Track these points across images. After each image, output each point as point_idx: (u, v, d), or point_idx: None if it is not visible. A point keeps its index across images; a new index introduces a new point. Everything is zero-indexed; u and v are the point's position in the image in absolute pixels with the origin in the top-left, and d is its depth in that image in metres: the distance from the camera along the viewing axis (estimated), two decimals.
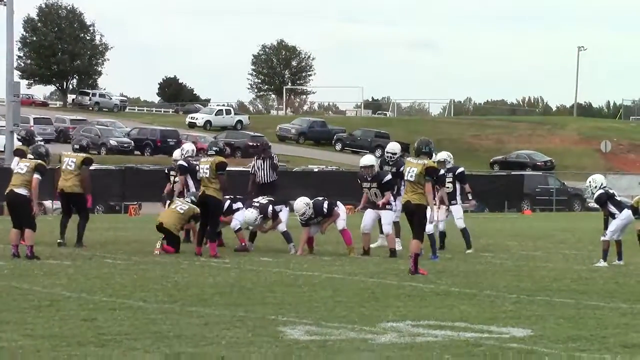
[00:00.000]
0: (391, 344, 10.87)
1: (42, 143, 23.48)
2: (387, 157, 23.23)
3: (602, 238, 20.32)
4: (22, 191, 19.47)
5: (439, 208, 21.42)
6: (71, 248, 21.60)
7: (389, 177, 21.70)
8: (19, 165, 19.87)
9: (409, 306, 13.91)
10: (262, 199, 22.44)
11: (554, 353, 10.44)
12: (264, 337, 11.13)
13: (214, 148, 21.69)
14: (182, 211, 21.53)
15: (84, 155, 19.76)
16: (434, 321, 12.46)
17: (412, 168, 18.07)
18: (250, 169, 28.51)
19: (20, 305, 13.20)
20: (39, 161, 19.81)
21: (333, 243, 23.09)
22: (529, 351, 10.54)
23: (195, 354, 10.02)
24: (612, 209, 20.40)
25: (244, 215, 21.86)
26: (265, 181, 27.42)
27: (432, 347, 10.73)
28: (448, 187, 22.68)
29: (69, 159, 22.26)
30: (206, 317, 12.51)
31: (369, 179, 21.65)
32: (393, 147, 23.63)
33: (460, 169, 23.27)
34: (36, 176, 19.46)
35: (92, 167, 24.09)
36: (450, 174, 22.76)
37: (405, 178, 18.29)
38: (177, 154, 24.97)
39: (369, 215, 21.76)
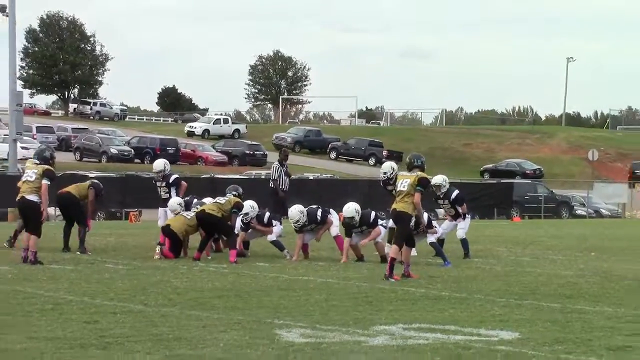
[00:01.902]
0: (383, 347, 10.92)
1: (47, 146, 23.37)
2: (386, 177, 22.93)
3: None
4: (33, 197, 19.48)
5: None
6: (73, 254, 21.62)
7: (456, 192, 22.89)
8: (28, 173, 19.82)
9: (401, 310, 13.95)
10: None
11: (540, 355, 10.50)
12: (260, 339, 11.17)
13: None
14: (188, 217, 21.61)
15: (45, 167, 19.66)
16: (425, 324, 12.51)
17: (405, 180, 18.16)
18: (273, 176, 28.62)
19: (24, 309, 13.23)
20: (46, 166, 19.77)
21: (328, 249, 23.12)
22: (516, 353, 10.59)
23: (194, 356, 10.07)
24: None
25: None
26: (285, 189, 27.64)
27: (422, 349, 10.78)
28: (451, 211, 22.90)
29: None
30: (205, 320, 12.55)
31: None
32: (388, 167, 23.10)
33: (455, 193, 22.90)
34: (45, 182, 19.45)
35: (92, 175, 24.13)
36: (447, 200, 22.76)
37: (398, 189, 18.35)
38: (159, 165, 24.53)
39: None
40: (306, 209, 21.89)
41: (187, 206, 22.69)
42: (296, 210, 21.83)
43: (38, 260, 19.14)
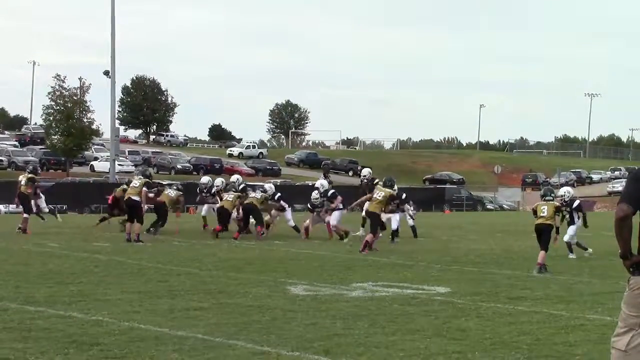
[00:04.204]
0: (359, 297, 10.87)
1: (147, 168, 23.79)
2: (366, 179, 22.66)
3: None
4: (136, 198, 19.47)
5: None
6: (151, 235, 21.47)
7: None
8: (134, 182, 20.09)
9: (370, 273, 13.91)
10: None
11: (464, 303, 10.46)
12: (276, 292, 11.14)
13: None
14: (230, 198, 21.61)
15: (145, 180, 19.89)
16: (386, 282, 12.48)
17: (381, 192, 18.28)
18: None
19: (119, 272, 13.19)
20: (146, 180, 20.04)
21: (320, 232, 23.04)
22: (448, 302, 10.55)
23: (232, 304, 10.01)
24: None
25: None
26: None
27: (385, 299, 10.73)
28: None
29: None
30: (239, 279, 12.50)
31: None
32: (365, 172, 23.27)
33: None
34: (144, 189, 19.65)
35: (165, 183, 24.21)
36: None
37: (374, 196, 18.33)
38: (204, 179, 24.83)
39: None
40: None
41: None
42: (318, 183, 22.32)
43: (140, 239, 18.98)
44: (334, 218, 21.62)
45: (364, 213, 20.90)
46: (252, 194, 22.11)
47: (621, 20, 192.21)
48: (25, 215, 21.93)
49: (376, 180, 21.64)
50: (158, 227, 22.17)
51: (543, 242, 14.96)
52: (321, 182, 22.55)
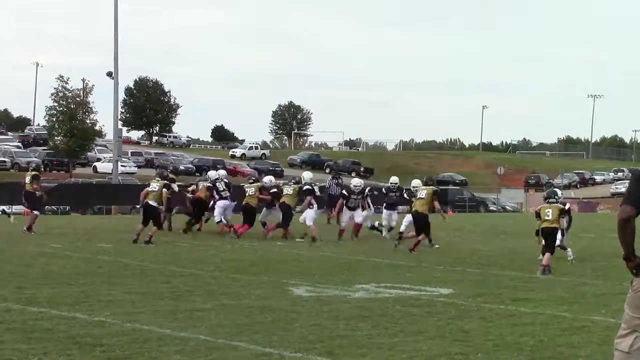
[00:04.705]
0: (361, 298, 10.86)
1: (165, 169, 23.76)
2: (392, 186, 22.75)
3: None
4: (153, 203, 19.36)
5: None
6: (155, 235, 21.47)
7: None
8: (152, 185, 19.86)
9: (373, 274, 13.90)
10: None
11: (467, 304, 10.44)
12: (279, 293, 11.13)
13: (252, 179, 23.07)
14: (252, 192, 21.99)
15: (164, 182, 19.87)
16: (389, 283, 12.46)
17: (424, 190, 19.12)
18: (327, 185, 28.32)
19: (122, 273, 13.19)
20: (165, 182, 20.02)
21: (325, 234, 23.02)
22: (451, 303, 10.54)
23: (235, 305, 10.01)
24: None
25: None
26: (336, 193, 27.31)
27: (388, 300, 10.73)
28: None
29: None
30: (242, 281, 12.50)
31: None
32: (393, 179, 23.25)
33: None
34: (165, 190, 19.53)
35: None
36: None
37: (419, 195, 19.10)
38: (212, 174, 24.58)
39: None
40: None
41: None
42: (359, 180, 22.33)
43: (151, 241, 18.79)
44: (309, 218, 21.15)
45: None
46: (285, 190, 22.09)
47: (624, 21, 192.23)
48: (35, 212, 21.95)
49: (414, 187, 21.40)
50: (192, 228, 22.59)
51: (549, 245, 14.92)
52: (358, 181, 22.38)
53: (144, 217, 19.66)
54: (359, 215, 21.81)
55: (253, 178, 23.92)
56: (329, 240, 21.35)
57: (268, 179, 23.40)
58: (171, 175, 24.58)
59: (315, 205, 21.26)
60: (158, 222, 19.52)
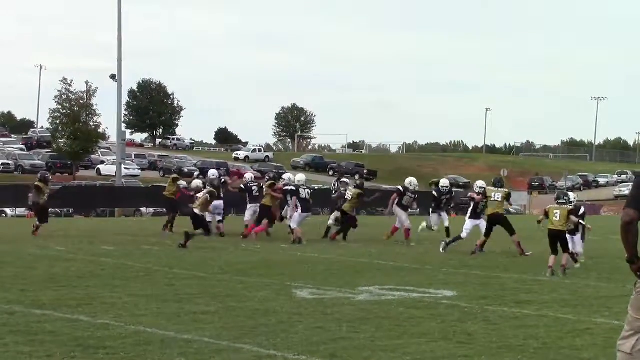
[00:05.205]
0: (365, 301, 10.86)
1: (216, 177, 23.74)
2: (443, 189, 22.61)
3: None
4: (197, 211, 19.49)
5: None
6: (158, 237, 21.50)
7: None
8: (202, 193, 20.19)
9: (377, 276, 13.89)
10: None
11: (470, 306, 10.44)
12: (283, 296, 11.13)
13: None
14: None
15: (211, 189, 20.49)
16: (392, 285, 12.46)
17: (499, 193, 19.05)
18: (332, 188, 28.34)
19: (126, 275, 13.18)
20: (212, 190, 20.36)
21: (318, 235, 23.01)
22: (454, 305, 10.54)
23: (239, 307, 10.01)
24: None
25: None
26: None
27: (391, 302, 10.72)
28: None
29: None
30: (245, 283, 12.50)
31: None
32: (444, 182, 23.22)
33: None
34: (207, 197, 19.64)
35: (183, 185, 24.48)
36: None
37: (494, 198, 18.97)
38: (213, 173, 24.73)
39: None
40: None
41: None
42: (413, 179, 22.42)
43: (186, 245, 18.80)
44: (294, 221, 21.13)
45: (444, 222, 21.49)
46: (347, 194, 22.26)
47: (628, 23, 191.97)
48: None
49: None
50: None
51: (561, 248, 14.94)
52: (445, 182, 22.32)
53: (194, 224, 19.59)
54: (446, 219, 22.19)
55: (268, 177, 23.92)
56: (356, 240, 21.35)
57: (249, 176, 23.87)
58: (175, 175, 24.92)
59: (299, 209, 21.11)
60: (207, 227, 19.76)
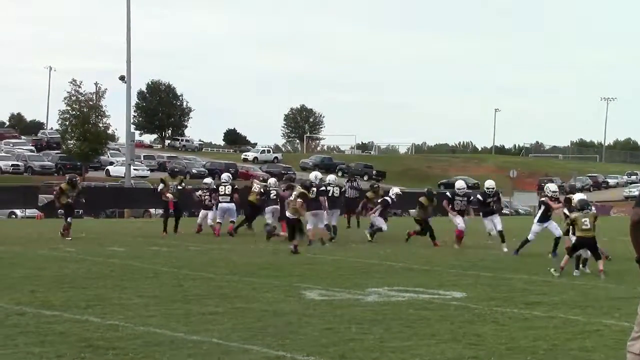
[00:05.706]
0: (374, 302, 10.86)
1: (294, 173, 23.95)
2: (488, 191, 21.34)
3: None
4: (291, 215, 18.91)
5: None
6: (166, 239, 21.54)
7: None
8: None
9: (386, 277, 13.89)
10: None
11: (480, 308, 10.43)
12: (291, 297, 11.14)
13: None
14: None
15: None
16: (402, 287, 12.45)
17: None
18: (343, 189, 28.23)
19: (134, 276, 13.21)
20: (303, 191, 19.34)
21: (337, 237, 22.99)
22: (464, 307, 10.53)
23: (247, 308, 10.03)
24: None
25: None
26: (352, 196, 27.26)
27: (401, 304, 10.72)
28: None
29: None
30: (254, 284, 12.51)
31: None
32: (490, 184, 21.84)
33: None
34: (299, 201, 18.81)
35: (180, 187, 24.26)
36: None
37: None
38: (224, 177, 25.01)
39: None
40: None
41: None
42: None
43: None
44: (322, 220, 20.99)
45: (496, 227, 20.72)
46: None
47: (639, 23, 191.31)
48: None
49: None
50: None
51: (594, 254, 15.09)
52: (491, 183, 21.55)
53: (289, 232, 19.01)
54: (499, 223, 21.04)
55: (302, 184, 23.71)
56: (357, 241, 21.35)
57: (273, 181, 24.02)
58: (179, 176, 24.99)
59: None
60: (301, 229, 18.95)
